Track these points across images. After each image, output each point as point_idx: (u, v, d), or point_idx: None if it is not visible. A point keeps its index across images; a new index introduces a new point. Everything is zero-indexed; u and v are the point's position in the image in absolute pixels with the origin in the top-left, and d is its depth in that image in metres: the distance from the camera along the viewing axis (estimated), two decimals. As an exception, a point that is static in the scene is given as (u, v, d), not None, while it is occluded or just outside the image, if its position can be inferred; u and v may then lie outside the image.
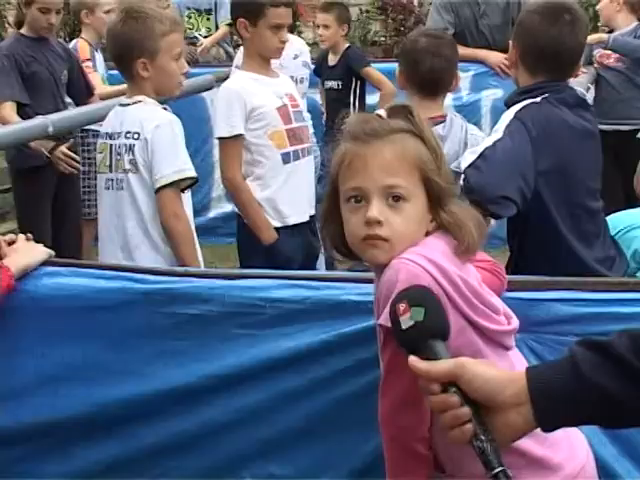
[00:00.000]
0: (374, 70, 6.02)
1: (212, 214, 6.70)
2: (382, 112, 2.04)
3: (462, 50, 5.83)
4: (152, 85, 3.48)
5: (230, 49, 7.32)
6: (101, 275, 2.56)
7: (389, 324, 1.56)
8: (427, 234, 1.92)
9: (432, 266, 1.83)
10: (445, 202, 1.93)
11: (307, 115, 4.68)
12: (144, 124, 3.40)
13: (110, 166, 3.49)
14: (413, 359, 1.44)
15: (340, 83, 6.13)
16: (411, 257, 1.83)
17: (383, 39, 13.69)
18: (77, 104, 5.34)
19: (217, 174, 6.43)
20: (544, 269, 2.54)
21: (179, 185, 3.41)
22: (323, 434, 2.40)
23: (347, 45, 6.38)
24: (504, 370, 1.49)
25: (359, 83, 6.08)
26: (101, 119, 3.97)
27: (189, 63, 8.07)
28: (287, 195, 4.14)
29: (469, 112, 5.60)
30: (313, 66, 6.28)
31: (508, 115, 2.84)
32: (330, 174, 1.99)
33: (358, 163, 1.90)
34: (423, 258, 1.84)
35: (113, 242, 3.50)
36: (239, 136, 4.05)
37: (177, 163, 3.41)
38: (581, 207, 2.87)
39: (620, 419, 1.43)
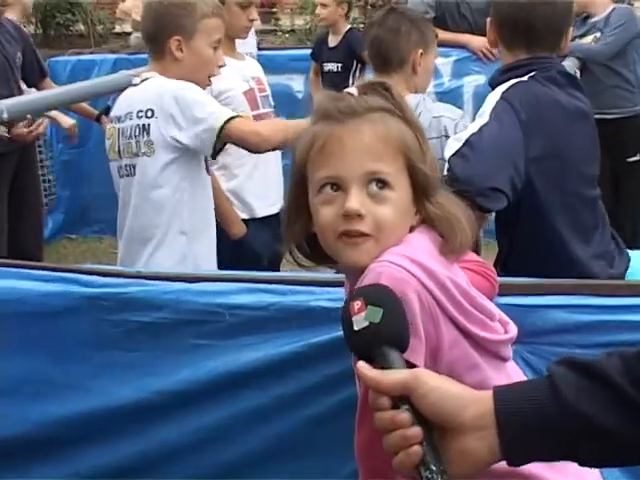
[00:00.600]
0: None
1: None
2: (353, 90, 1.75)
3: (443, 34, 5.56)
4: (180, 70, 3.14)
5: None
6: (45, 277, 2.29)
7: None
8: (411, 230, 1.65)
9: (419, 269, 1.55)
10: (432, 193, 1.66)
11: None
12: (158, 101, 3.04)
13: (119, 152, 3.14)
14: (362, 365, 1.21)
15: (340, 66, 5.91)
16: (393, 259, 1.55)
17: (362, 25, 13.45)
18: (29, 86, 5.04)
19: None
20: (535, 268, 2.28)
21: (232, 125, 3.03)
22: (291, 457, 2.14)
23: (349, 27, 6.17)
24: (467, 387, 1.24)
25: (359, 66, 5.84)
26: (60, 105, 3.66)
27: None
28: (255, 186, 3.89)
29: (450, 99, 5.31)
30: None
31: (494, 96, 2.55)
32: (296, 162, 1.70)
33: (333, 146, 1.61)
34: (407, 260, 1.55)
35: (132, 235, 3.14)
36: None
37: (215, 110, 3.07)
38: (576, 195, 2.60)
39: (609, 455, 1.19)
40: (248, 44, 5.59)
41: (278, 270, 4.24)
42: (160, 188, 3.06)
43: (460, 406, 1.18)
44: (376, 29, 3.13)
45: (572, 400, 1.16)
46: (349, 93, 1.73)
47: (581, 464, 1.23)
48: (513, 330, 1.69)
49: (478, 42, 5.65)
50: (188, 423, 2.19)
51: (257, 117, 3.92)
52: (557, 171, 2.54)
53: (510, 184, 2.37)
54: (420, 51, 3.10)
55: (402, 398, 1.18)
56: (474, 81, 5.74)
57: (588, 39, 5.38)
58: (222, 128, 3.01)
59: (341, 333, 2.02)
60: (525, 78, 2.61)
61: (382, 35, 3.10)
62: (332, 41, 6.10)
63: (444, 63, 5.75)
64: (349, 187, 1.58)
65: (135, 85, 3.20)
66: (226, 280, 2.16)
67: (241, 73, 3.98)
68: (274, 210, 3.98)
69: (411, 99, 2.97)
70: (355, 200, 1.57)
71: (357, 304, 1.24)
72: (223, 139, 3.06)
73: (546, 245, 2.51)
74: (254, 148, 3.20)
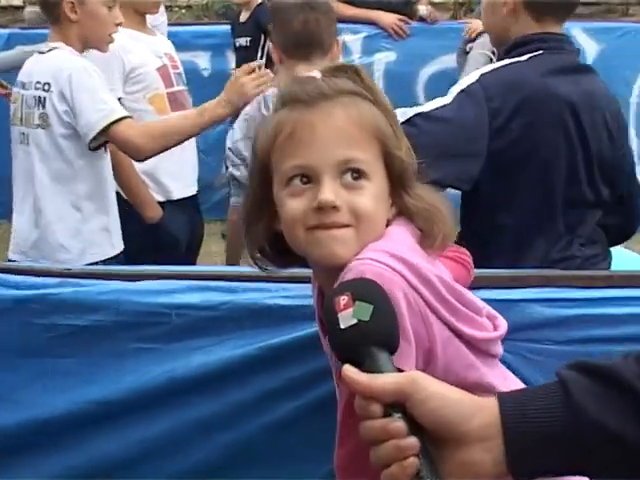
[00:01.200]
0: None
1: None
2: (315, 73, 1.58)
3: (351, 10, 5.43)
4: (79, 32, 3.18)
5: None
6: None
7: None
8: (387, 224, 1.51)
9: (403, 266, 1.41)
10: (409, 183, 1.52)
11: None
12: (56, 75, 3.07)
13: (21, 119, 3.18)
14: (349, 368, 1.07)
15: (249, 40, 5.69)
16: (376, 256, 1.40)
17: None
18: None
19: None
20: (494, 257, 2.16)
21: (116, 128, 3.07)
22: (247, 470, 1.96)
23: (259, 1, 5.93)
24: (468, 393, 1.11)
25: (268, 41, 5.64)
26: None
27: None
28: (170, 166, 3.71)
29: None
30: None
31: (472, 75, 2.36)
32: (258, 153, 1.54)
33: (302, 132, 1.45)
34: (390, 256, 1.41)
35: (25, 202, 3.17)
36: (118, 100, 3.55)
37: (102, 107, 3.07)
38: (554, 196, 2.36)
39: (625, 467, 1.08)
40: (163, 25, 5.38)
41: (196, 256, 4.07)
42: (54, 161, 3.10)
43: (465, 414, 1.06)
44: (306, 13, 2.91)
45: (586, 408, 1.05)
46: (312, 76, 1.57)
47: (592, 478, 1.14)
48: (502, 325, 1.57)
49: (389, 18, 5.55)
50: (132, 434, 1.99)
51: (171, 95, 3.76)
52: (537, 168, 2.34)
53: (454, 178, 2.22)
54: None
55: (394, 405, 1.05)
56: (385, 58, 5.65)
57: None
58: (108, 127, 3.04)
59: (301, 333, 1.92)
60: (524, 58, 2.39)
61: (315, 18, 2.89)
62: (243, 17, 5.92)
63: (353, 40, 5.62)
64: (321, 177, 1.44)
65: (42, 53, 3.18)
66: (171, 277, 1.97)
67: (153, 49, 3.78)
68: (191, 192, 3.85)
69: None
70: (329, 191, 1.42)
71: (343, 299, 1.10)
72: (104, 138, 3.09)
73: (500, 236, 2.37)
74: (132, 156, 3.24)
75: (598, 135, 2.38)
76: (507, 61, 2.39)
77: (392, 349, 1.11)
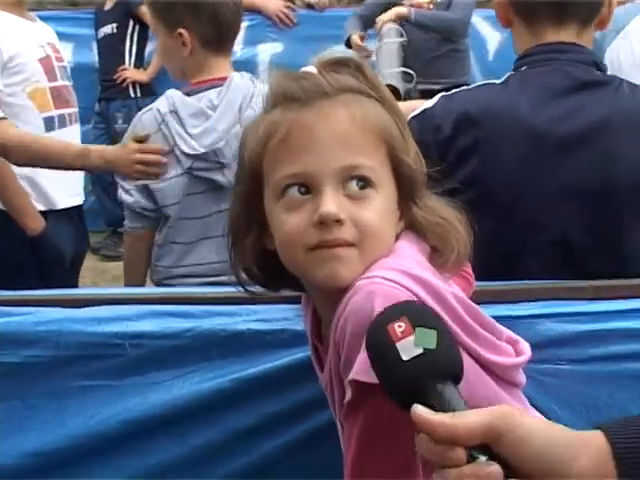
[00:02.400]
0: None
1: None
2: (311, 68, 1.37)
3: None
4: None
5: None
6: None
7: (368, 378, 1.06)
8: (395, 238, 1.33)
9: (418, 285, 1.22)
10: (418, 193, 1.34)
11: None
12: None
13: None
14: (422, 409, 0.91)
15: (115, 26, 5.27)
16: (385, 274, 1.21)
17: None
18: None
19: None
20: None
21: None
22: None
23: None
24: (565, 427, 0.97)
25: (137, 27, 5.22)
26: None
27: None
28: (51, 172, 3.33)
29: (245, 69, 4.95)
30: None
31: (432, 100, 1.96)
32: (246, 159, 1.32)
33: (299, 135, 1.26)
34: (404, 275, 1.22)
35: None
36: None
37: None
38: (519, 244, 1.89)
39: None
40: None
41: (78, 274, 3.72)
42: None
43: (572, 452, 0.93)
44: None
45: None
46: (309, 71, 1.36)
47: None
48: (526, 350, 1.39)
49: (274, 6, 5.31)
50: (77, 488, 1.69)
51: (55, 90, 3.40)
52: (497, 211, 1.87)
53: None
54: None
55: (481, 445, 0.91)
56: (270, 49, 5.39)
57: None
58: None
59: (279, 362, 1.67)
60: (500, 80, 1.95)
61: (228, 8, 2.61)
62: (108, 5, 5.51)
63: (234, 29, 5.35)
64: (322, 187, 1.24)
65: None
66: (122, 301, 1.68)
67: (34, 37, 3.40)
68: (77, 201, 3.53)
69: (241, 80, 2.56)
70: (331, 202, 1.23)
71: (399, 326, 0.95)
72: None
73: None
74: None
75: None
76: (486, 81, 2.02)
77: (458, 379, 0.97)
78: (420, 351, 0.94)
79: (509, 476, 0.90)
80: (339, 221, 1.23)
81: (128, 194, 2.53)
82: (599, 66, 1.96)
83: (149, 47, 5.28)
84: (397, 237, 1.32)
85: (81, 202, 3.60)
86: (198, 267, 2.46)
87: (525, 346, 1.39)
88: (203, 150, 2.44)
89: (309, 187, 1.25)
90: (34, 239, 3.25)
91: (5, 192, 3.22)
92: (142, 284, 2.63)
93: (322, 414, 1.59)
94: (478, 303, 1.66)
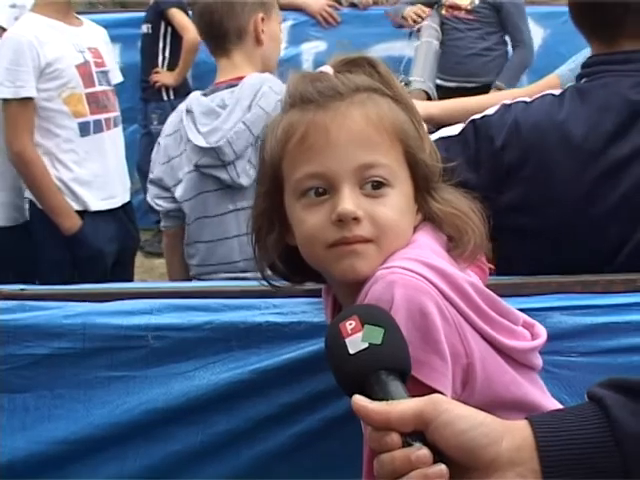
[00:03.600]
0: (180, 12, 5.17)
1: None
2: (327, 68, 1.41)
3: None
4: None
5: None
6: None
7: None
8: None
9: (435, 274, 1.27)
10: (435, 187, 1.39)
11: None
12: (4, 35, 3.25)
13: None
14: (360, 398, 0.97)
15: (150, 27, 5.29)
16: (405, 264, 1.26)
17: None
18: None
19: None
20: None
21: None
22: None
23: None
24: (493, 416, 1.00)
25: (170, 29, 5.24)
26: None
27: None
28: (86, 175, 3.41)
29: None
30: None
31: (493, 107, 1.90)
32: (267, 160, 1.38)
33: (316, 136, 1.31)
34: (421, 264, 1.27)
35: None
36: (29, 99, 3.29)
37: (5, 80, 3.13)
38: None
39: None
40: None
41: (128, 272, 3.80)
42: None
43: (493, 436, 0.96)
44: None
45: (629, 426, 0.96)
46: (323, 72, 1.40)
47: None
48: (542, 333, 1.44)
49: (317, 5, 5.34)
50: (105, 476, 1.76)
51: (91, 96, 3.45)
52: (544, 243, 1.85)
53: None
54: (261, 15, 2.63)
55: (412, 433, 0.96)
56: (314, 48, 5.42)
57: (463, 1, 5.00)
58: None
59: (296, 353, 1.72)
60: (557, 92, 1.90)
61: (212, 4, 2.61)
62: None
63: (279, 29, 5.38)
64: (339, 186, 1.30)
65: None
66: (146, 295, 1.74)
67: (74, 42, 3.46)
68: (114, 204, 3.58)
69: (254, 79, 2.55)
70: (349, 200, 1.29)
71: (350, 324, 1.02)
72: None
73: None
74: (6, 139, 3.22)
75: None
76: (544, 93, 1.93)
77: (404, 376, 1.02)
78: (365, 345, 1.00)
79: (441, 461, 0.94)
80: (356, 219, 1.28)
81: (164, 200, 2.61)
82: None
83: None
84: (415, 229, 1.36)
85: (125, 200, 3.66)
86: (223, 266, 2.51)
87: (541, 329, 1.44)
88: (207, 146, 2.48)
89: (327, 187, 1.30)
90: (69, 239, 3.34)
91: (40, 191, 3.32)
92: (184, 278, 2.69)
93: (340, 403, 1.64)
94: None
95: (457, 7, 4.89)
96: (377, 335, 1.01)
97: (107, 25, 5.58)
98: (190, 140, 2.50)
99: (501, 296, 1.67)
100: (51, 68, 3.32)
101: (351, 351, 1.00)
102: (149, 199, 2.62)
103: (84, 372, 1.74)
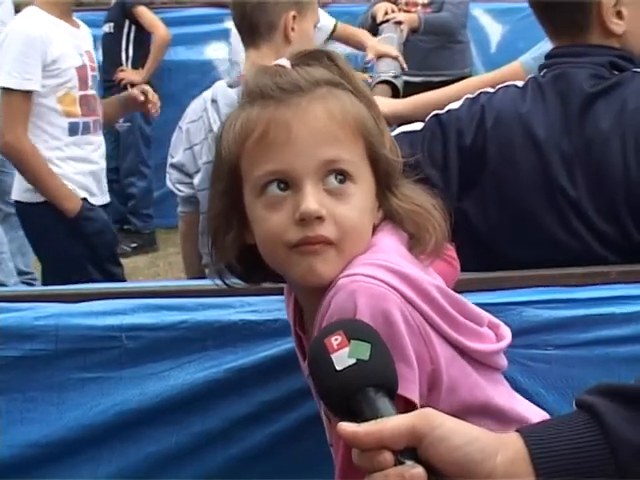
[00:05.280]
0: (148, 11, 5.13)
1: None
2: (284, 61, 1.37)
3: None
4: None
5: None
6: None
7: None
8: (373, 230, 1.34)
9: (398, 279, 1.24)
10: (396, 183, 1.35)
11: None
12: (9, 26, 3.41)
13: None
14: (346, 425, 0.92)
15: (112, 25, 5.21)
16: (367, 271, 1.23)
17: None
18: None
19: None
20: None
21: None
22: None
23: None
24: (484, 429, 0.98)
25: (134, 28, 5.18)
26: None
27: None
28: (70, 173, 3.42)
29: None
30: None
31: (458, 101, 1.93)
32: (224, 157, 1.33)
33: (277, 133, 1.27)
34: (384, 270, 1.24)
35: None
36: (31, 93, 3.30)
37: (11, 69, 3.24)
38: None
39: None
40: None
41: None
42: None
43: (488, 450, 0.93)
44: None
45: (623, 434, 0.94)
46: (281, 65, 1.36)
47: None
48: (506, 334, 1.41)
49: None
50: (79, 476, 1.74)
51: (84, 98, 3.47)
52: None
53: None
54: (293, 13, 2.62)
55: (404, 450, 0.92)
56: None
57: None
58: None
59: (271, 351, 1.71)
60: (520, 83, 1.94)
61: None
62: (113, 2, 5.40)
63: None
64: (302, 183, 1.26)
65: None
66: (118, 295, 1.72)
67: (76, 43, 3.48)
68: (97, 202, 3.57)
69: None
70: (312, 199, 1.25)
71: (336, 339, 0.99)
72: None
73: None
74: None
75: None
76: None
77: (392, 392, 0.99)
78: (353, 362, 0.96)
79: (435, 478, 0.91)
80: (320, 218, 1.24)
81: (186, 186, 2.60)
82: (617, 64, 1.90)
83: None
84: (376, 228, 1.33)
85: (106, 202, 3.64)
86: None
87: (505, 330, 1.41)
88: None
89: (288, 183, 1.26)
90: (71, 223, 3.30)
91: (38, 177, 3.32)
92: (196, 266, 2.68)
93: (315, 402, 1.63)
94: (469, 291, 1.71)
95: (414, 3, 4.93)
96: (364, 350, 0.98)
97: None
98: (213, 130, 2.48)
99: (473, 291, 1.70)
100: (54, 66, 3.34)
101: (338, 367, 0.97)
102: (169, 183, 2.62)
103: (57, 374, 1.72)
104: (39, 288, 1.80)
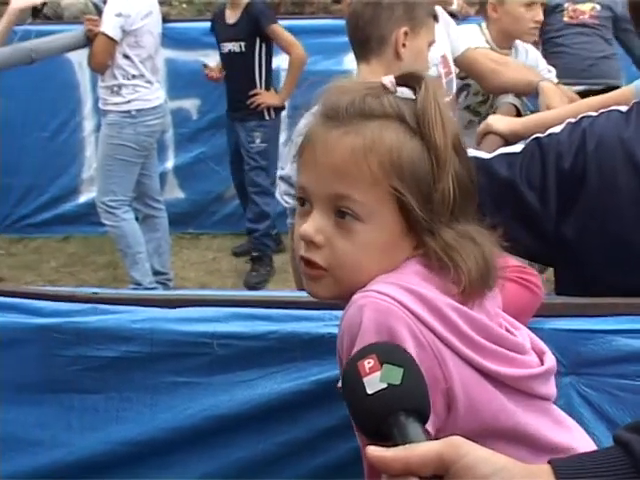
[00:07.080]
0: (283, 30, 5.10)
1: (83, 199, 5.76)
2: (387, 80, 1.34)
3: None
4: None
5: (100, 2, 6.02)
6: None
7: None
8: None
9: (412, 298, 1.22)
10: (434, 227, 1.29)
11: None
12: None
13: None
14: (375, 450, 0.92)
15: (243, 44, 5.17)
16: (381, 288, 1.22)
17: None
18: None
19: (89, 151, 5.66)
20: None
21: None
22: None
23: None
24: (514, 460, 0.96)
25: (264, 45, 5.15)
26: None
27: (50, 18, 7.09)
28: None
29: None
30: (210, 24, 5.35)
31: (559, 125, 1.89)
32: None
33: (309, 153, 1.30)
34: (398, 288, 1.23)
35: None
36: None
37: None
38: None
39: None
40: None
41: None
42: None
43: None
44: (361, 8, 2.58)
45: None
46: (383, 85, 1.33)
47: None
48: (548, 361, 1.34)
49: None
50: (168, 476, 1.80)
51: None
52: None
53: None
54: (404, 29, 2.59)
55: (432, 478, 0.92)
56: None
57: (585, 7, 4.97)
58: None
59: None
60: (624, 108, 1.87)
61: (360, 8, 2.59)
62: (230, 17, 5.20)
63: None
64: (314, 205, 1.28)
65: None
66: (212, 303, 1.77)
67: None
68: None
69: None
70: (312, 224, 1.27)
71: (368, 362, 0.99)
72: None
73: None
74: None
75: None
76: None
77: (425, 417, 0.98)
78: (384, 386, 0.96)
79: None
80: (314, 243, 1.26)
81: (282, 198, 2.65)
82: None
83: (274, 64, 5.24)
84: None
85: None
86: None
87: (548, 359, 1.35)
88: None
89: (307, 202, 1.29)
90: None
91: None
92: None
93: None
94: (560, 315, 1.69)
95: (581, 12, 4.90)
96: (396, 375, 0.98)
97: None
98: None
99: (565, 316, 1.67)
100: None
101: (369, 391, 0.97)
102: (277, 195, 2.67)
103: (151, 376, 1.78)
104: (136, 292, 1.87)
